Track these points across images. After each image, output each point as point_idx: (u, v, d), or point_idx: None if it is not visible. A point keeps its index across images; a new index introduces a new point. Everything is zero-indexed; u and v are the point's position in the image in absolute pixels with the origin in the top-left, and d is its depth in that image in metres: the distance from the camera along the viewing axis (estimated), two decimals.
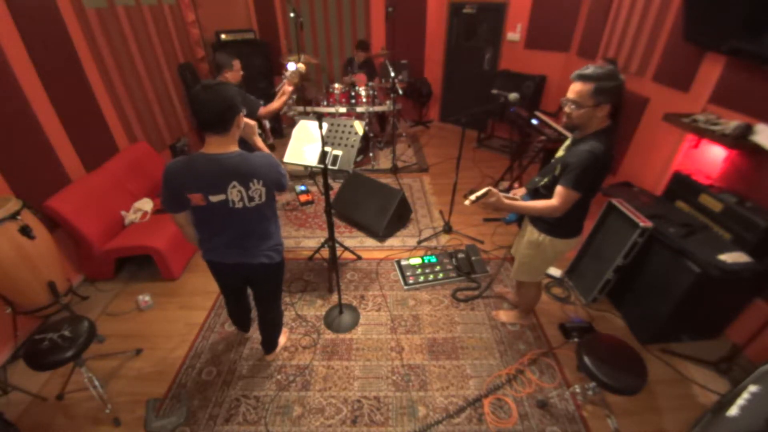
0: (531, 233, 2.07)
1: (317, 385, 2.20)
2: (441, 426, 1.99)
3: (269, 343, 2.30)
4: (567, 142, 1.90)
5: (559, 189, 1.73)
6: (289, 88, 3.04)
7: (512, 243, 2.60)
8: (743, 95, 2.36)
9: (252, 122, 1.79)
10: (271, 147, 3.23)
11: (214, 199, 1.56)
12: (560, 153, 1.89)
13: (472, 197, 1.72)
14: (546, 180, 1.88)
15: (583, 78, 1.60)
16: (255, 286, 2.02)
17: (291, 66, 3.03)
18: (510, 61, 5.10)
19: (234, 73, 2.80)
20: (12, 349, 2.39)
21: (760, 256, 2.05)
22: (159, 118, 4.12)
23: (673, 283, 2.20)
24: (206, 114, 1.47)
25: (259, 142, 1.83)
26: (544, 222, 1.97)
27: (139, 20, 3.77)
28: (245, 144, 1.80)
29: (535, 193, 2.00)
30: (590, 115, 1.65)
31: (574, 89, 1.64)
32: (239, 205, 1.60)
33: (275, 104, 3.00)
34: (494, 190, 1.73)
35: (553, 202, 1.75)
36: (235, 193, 1.57)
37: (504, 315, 2.64)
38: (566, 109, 1.70)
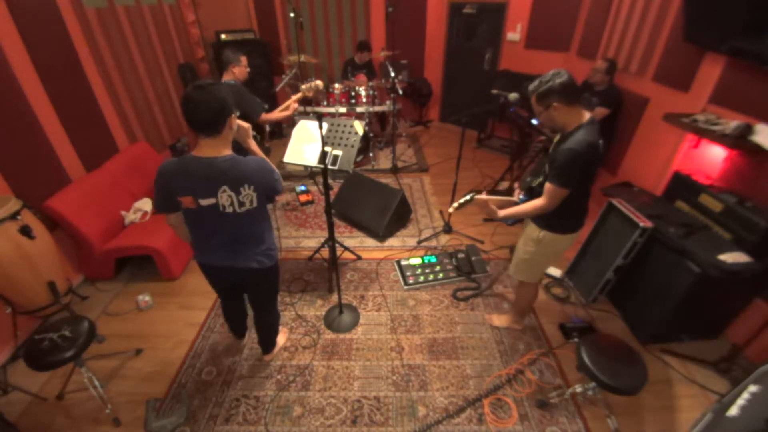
0: (532, 230, 2.06)
1: (317, 385, 2.20)
2: (441, 426, 1.99)
3: (266, 343, 2.29)
4: (556, 139, 1.97)
5: (546, 186, 1.80)
6: (295, 105, 3.03)
7: (514, 243, 2.58)
8: (743, 95, 2.36)
9: (245, 125, 1.72)
10: (267, 151, 3.20)
11: (204, 202, 1.53)
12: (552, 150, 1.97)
13: (455, 204, 1.77)
14: (540, 179, 1.93)
15: (529, 94, 1.80)
16: (248, 291, 2.01)
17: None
18: (510, 61, 5.10)
19: (241, 69, 2.77)
20: (12, 349, 2.39)
21: (760, 256, 2.05)
22: (159, 118, 4.13)
23: (673, 283, 2.21)
24: (198, 115, 1.42)
25: (253, 145, 1.77)
26: (544, 218, 1.97)
27: (139, 20, 3.77)
28: (239, 147, 1.73)
29: (530, 192, 2.03)
30: (550, 116, 1.76)
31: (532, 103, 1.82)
32: (229, 209, 1.56)
33: (278, 115, 2.96)
34: (480, 196, 1.76)
35: (541, 201, 1.81)
36: (225, 198, 1.53)
37: (497, 319, 2.59)
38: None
